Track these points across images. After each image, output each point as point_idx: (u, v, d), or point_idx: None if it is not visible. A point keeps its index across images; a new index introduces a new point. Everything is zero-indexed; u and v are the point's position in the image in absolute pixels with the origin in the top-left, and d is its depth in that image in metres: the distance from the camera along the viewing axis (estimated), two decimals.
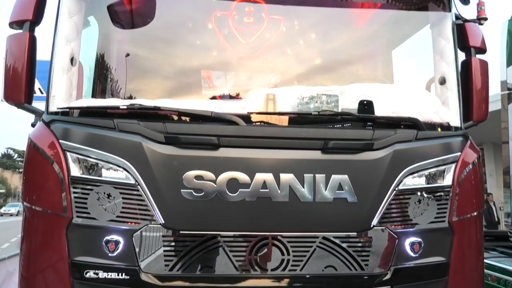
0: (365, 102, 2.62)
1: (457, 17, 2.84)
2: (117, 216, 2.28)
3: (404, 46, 3.42)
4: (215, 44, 3.30)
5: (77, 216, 2.26)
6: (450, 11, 2.82)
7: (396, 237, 2.38)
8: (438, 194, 2.49)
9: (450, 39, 2.80)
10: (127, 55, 3.23)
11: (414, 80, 3.36)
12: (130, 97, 3.03)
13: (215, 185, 2.29)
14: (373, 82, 3.16)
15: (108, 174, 2.28)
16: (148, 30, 3.05)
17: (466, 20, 2.82)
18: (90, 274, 2.20)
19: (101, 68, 3.17)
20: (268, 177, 2.30)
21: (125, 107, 2.38)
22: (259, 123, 2.52)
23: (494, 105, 3.50)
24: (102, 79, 3.15)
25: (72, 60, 2.56)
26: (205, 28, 3.25)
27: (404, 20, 3.10)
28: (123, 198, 2.28)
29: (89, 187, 2.29)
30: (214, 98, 3.11)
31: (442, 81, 2.82)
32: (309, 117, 2.52)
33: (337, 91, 2.74)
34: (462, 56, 2.89)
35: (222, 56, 3.34)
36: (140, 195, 2.28)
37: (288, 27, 3.26)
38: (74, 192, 2.27)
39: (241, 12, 3.13)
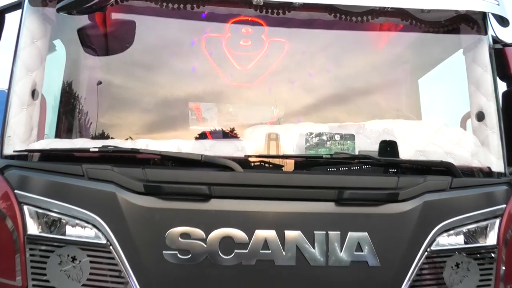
0: (387, 142, 2.70)
1: (495, 40, 2.96)
2: (84, 285, 2.29)
3: (433, 74, 3.57)
4: (205, 71, 3.44)
5: (33, 285, 2.28)
6: (486, 34, 2.92)
7: None
8: (480, 256, 2.51)
9: (488, 66, 2.89)
10: (99, 83, 3.36)
11: (446, 116, 3.48)
12: (103, 136, 3.12)
13: (205, 245, 2.32)
14: (396, 117, 3.28)
15: (74, 232, 2.32)
16: (125, 54, 3.20)
17: (506, 44, 2.94)
18: None
19: (68, 101, 3.28)
20: (270, 234, 2.33)
21: (96, 149, 2.45)
22: (259, 169, 2.59)
23: None
24: (68, 114, 3.25)
25: (33, 92, 2.66)
26: (194, 52, 3.40)
27: (432, 43, 3.25)
28: (91, 262, 2.30)
29: (49, 248, 2.31)
30: (204, 136, 3.21)
31: (480, 117, 2.89)
32: (319, 161, 2.59)
33: (353, 129, 2.83)
34: (502, 86, 3.00)
35: (214, 86, 3.47)
36: (113, 258, 2.30)
37: (293, 51, 3.42)
38: (31, 255, 2.29)
39: (236, 34, 3.28)
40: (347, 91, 3.48)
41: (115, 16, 3.12)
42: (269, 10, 2.76)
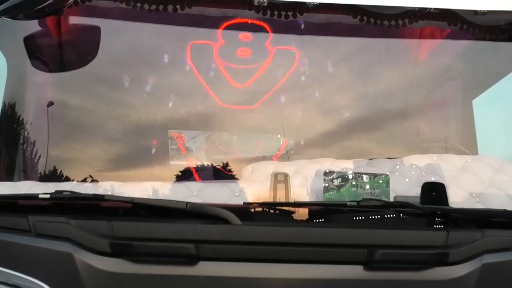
0: (432, 184, 2.72)
1: None
2: None
3: (491, 94, 3.60)
4: (191, 89, 3.49)
5: None
6: None
7: None
8: None
9: None
10: (50, 104, 3.39)
11: (510, 149, 3.50)
12: (55, 177, 3.14)
13: None
14: (444, 151, 3.31)
15: None
16: (87, 68, 3.25)
17: None
18: None
19: (9, 129, 3.31)
20: None
21: (47, 195, 2.45)
22: (262, 221, 2.60)
23: None
24: (9, 147, 3.27)
25: None
26: (176, 65, 3.47)
27: (489, 54, 3.30)
28: None
29: None
30: (189, 176, 3.23)
31: None
32: (343, 210, 2.60)
33: (387, 167, 2.85)
34: None
35: (203, 108, 3.52)
36: None
37: (307, 62, 3.48)
38: None
39: (232, 41, 3.36)
40: (378, 115, 3.52)
41: (74, 20, 3.18)
42: (275, 13, 2.82)
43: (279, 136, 3.45)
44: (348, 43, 3.31)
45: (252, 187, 2.73)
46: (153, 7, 2.81)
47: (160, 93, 3.53)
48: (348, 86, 3.59)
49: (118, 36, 3.27)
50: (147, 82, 3.49)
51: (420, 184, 2.73)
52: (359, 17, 2.84)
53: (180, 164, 3.36)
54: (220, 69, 3.43)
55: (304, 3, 2.73)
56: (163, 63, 3.49)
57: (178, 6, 2.83)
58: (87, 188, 2.73)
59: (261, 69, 3.44)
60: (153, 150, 3.46)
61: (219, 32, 3.30)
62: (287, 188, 2.71)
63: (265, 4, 2.76)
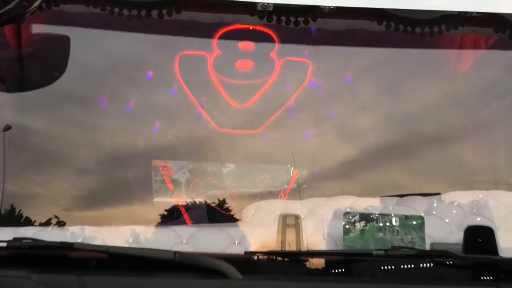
0: (477, 229, 2.72)
1: None
2: None
3: None
4: (180, 109, 3.52)
5: None
6: None
7: None
8: None
9: None
10: (7, 128, 3.41)
11: None
12: (13, 218, 3.15)
13: None
14: (493, 185, 3.30)
15: None
16: (53, 87, 3.27)
17: None
18: None
19: None
20: None
21: (4, 244, 2.46)
22: (268, 274, 2.59)
23: None
24: None
25: None
26: (162, 80, 3.50)
27: None
28: None
29: None
30: (177, 216, 3.23)
31: None
32: (367, 260, 2.60)
33: (422, 206, 2.85)
34: None
35: (194, 133, 3.53)
36: None
37: (322, 76, 3.51)
38: None
39: (230, 51, 3.41)
40: (410, 140, 3.54)
41: (38, 29, 3.21)
42: (283, 18, 2.85)
43: (288, 167, 3.47)
44: (372, 53, 3.33)
45: (256, 232, 2.74)
46: (134, 12, 2.83)
47: (142, 114, 3.55)
48: (373, 105, 3.60)
49: (91, 47, 3.30)
50: (127, 101, 3.51)
51: (463, 228, 2.72)
52: (385, 23, 2.86)
53: (166, 202, 3.37)
54: (216, 85, 3.45)
55: (317, 7, 2.75)
56: (145, 79, 3.52)
57: (164, 12, 2.86)
58: (53, 234, 2.74)
59: (265, 85, 3.47)
60: (133, 185, 3.47)
61: (214, 40, 3.33)
62: (298, 233, 2.71)
63: (270, 9, 2.77)
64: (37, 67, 3.34)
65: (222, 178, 3.51)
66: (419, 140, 3.52)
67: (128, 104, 3.51)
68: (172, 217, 3.22)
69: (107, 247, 2.51)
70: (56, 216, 3.13)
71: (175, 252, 2.45)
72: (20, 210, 3.26)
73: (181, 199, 3.36)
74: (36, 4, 2.71)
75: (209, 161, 3.55)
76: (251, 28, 3.17)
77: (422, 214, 2.70)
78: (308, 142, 3.59)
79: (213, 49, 3.37)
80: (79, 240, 2.66)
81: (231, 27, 3.24)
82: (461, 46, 3.35)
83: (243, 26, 3.20)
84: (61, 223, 2.98)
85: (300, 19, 2.87)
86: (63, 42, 3.18)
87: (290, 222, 2.72)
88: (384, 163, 3.47)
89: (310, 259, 2.62)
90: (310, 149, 3.56)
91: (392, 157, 3.50)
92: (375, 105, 3.62)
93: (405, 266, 2.60)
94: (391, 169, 3.51)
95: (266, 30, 3.24)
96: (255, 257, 2.62)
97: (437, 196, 2.91)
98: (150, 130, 3.55)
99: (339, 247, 2.69)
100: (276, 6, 2.78)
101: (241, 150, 3.63)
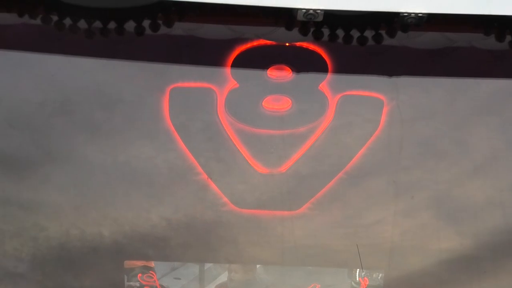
0: None
1: None
2: None
3: None
4: (170, 175, 3.57)
5: None
6: None
7: None
8: None
9: None
10: None
11: None
12: None
13: None
14: None
15: None
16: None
17: None
18: None
19: None
20: None
21: None
22: None
23: None
24: None
25: None
26: (141, 128, 3.55)
27: None
28: None
29: None
30: None
31: None
32: None
33: None
34: None
35: (193, 214, 3.58)
36: None
37: (406, 120, 3.55)
38: None
39: (253, 82, 3.47)
40: None
41: None
42: (339, 34, 2.91)
43: (350, 270, 3.49)
44: (486, 85, 3.38)
45: None
46: (97, 25, 2.91)
47: (109, 183, 3.59)
48: (492, 164, 3.63)
49: (27, 76, 3.38)
50: (84, 162, 3.57)
51: None
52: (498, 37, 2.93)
53: None
54: (230, 136, 3.50)
55: (398, 14, 2.82)
56: (115, 126, 3.57)
57: (146, 24, 2.93)
58: None
59: (312, 137, 3.51)
60: None
61: (228, 63, 3.38)
62: None
63: (319, 18, 2.84)
64: None
65: None
66: None
67: (85, 167, 3.54)
68: None
69: None
70: None
71: None
72: None
73: None
74: None
75: (219, 261, 3.59)
76: (287, 45, 3.21)
77: None
78: (383, 227, 3.61)
79: (225, 79, 3.42)
80: None
81: (254, 43, 3.28)
82: None
83: (273, 43, 3.24)
84: None
85: (368, 35, 2.93)
86: None
87: None
88: None
89: None
90: (388, 238, 3.59)
91: None
92: (495, 165, 3.64)
93: None
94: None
95: (312, 47, 3.28)
96: None
97: None
98: (123, 208, 3.59)
99: None
100: (330, 13, 2.85)
101: (272, 243, 3.65)
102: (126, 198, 3.58)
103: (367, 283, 3.38)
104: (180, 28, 3.03)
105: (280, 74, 3.41)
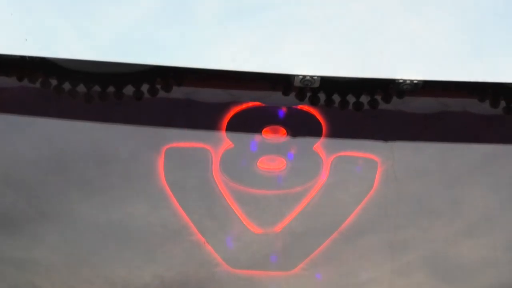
0: None
1: None
2: None
3: None
4: (164, 235, 3.57)
5: None
6: None
7: None
8: None
9: None
10: None
11: None
12: None
13: None
14: None
15: None
16: None
17: None
18: None
19: None
20: None
21: None
22: None
23: None
24: None
25: None
26: (135, 188, 3.57)
27: None
28: None
29: None
30: None
31: None
32: None
33: None
34: None
35: (187, 275, 3.58)
36: None
37: (400, 180, 3.57)
38: None
39: (248, 142, 3.49)
40: None
41: None
42: (335, 99, 2.94)
43: None
44: (482, 150, 3.41)
45: None
46: (95, 89, 2.94)
47: (101, 242, 3.60)
48: (486, 224, 3.65)
49: (20, 137, 3.40)
50: (76, 216, 3.58)
51: None
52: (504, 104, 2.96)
53: None
54: (225, 196, 3.51)
55: (393, 81, 2.85)
56: (109, 186, 3.59)
57: (145, 89, 2.97)
58: None
59: (306, 197, 3.53)
60: None
61: (223, 124, 3.42)
62: None
63: (316, 85, 2.87)
64: None
65: None
66: None
67: (79, 225, 3.55)
68: None
69: None
70: None
71: None
72: None
73: None
74: None
75: None
76: (282, 110, 3.25)
77: None
78: (378, 286, 3.63)
79: (220, 139, 3.45)
80: None
81: (249, 105, 3.31)
82: None
83: (267, 105, 3.28)
84: None
85: (364, 100, 2.96)
86: None
87: None
88: None
89: None
90: None
91: None
92: (489, 224, 3.66)
93: None
94: None
95: (307, 109, 3.30)
96: None
97: None
98: (116, 266, 3.60)
99: None
100: (326, 79, 2.88)
101: None
102: (119, 256, 3.58)
103: None
104: (179, 92, 3.05)
105: (275, 135, 3.44)
